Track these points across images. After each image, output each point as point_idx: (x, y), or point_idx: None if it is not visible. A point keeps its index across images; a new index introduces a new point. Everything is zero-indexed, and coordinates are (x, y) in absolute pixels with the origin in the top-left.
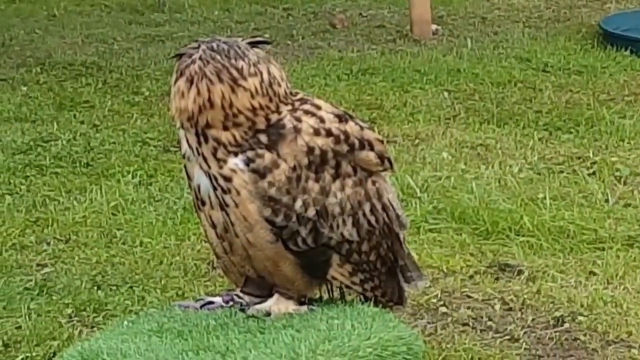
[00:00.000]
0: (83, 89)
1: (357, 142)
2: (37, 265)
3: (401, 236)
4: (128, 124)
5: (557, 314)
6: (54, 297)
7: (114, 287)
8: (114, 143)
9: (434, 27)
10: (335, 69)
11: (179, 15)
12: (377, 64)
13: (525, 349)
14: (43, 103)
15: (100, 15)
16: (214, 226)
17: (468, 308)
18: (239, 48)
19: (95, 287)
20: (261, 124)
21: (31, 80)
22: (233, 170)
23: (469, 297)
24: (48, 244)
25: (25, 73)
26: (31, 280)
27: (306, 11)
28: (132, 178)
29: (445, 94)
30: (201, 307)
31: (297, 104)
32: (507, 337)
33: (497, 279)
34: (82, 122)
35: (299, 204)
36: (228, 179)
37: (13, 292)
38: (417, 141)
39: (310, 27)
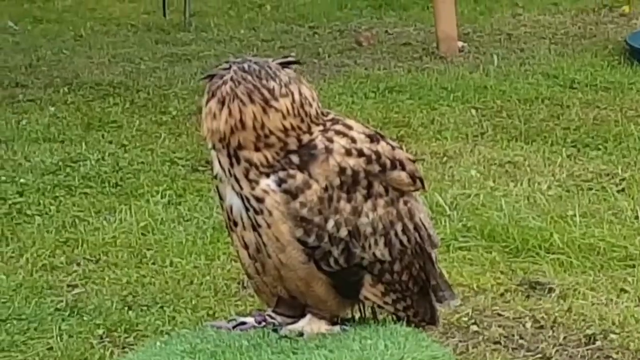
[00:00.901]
0: (111, 109)
1: (388, 162)
2: (68, 286)
3: (433, 256)
4: (156, 143)
5: (589, 331)
6: (85, 318)
7: (145, 308)
8: (142, 163)
9: (460, 44)
10: (362, 87)
11: (205, 34)
12: (403, 81)
13: None
14: (71, 123)
15: (127, 35)
16: (246, 247)
17: (499, 326)
18: (270, 69)
19: (126, 308)
20: (293, 144)
21: (59, 100)
22: (265, 191)
23: (500, 315)
24: (78, 264)
25: (53, 93)
26: (62, 301)
27: (332, 29)
28: (161, 198)
29: (473, 111)
30: (234, 327)
31: (328, 124)
32: (539, 355)
33: (528, 297)
34: (110, 142)
35: (331, 224)
36: (260, 200)
37: (44, 313)
38: (445, 159)
39: (336, 45)
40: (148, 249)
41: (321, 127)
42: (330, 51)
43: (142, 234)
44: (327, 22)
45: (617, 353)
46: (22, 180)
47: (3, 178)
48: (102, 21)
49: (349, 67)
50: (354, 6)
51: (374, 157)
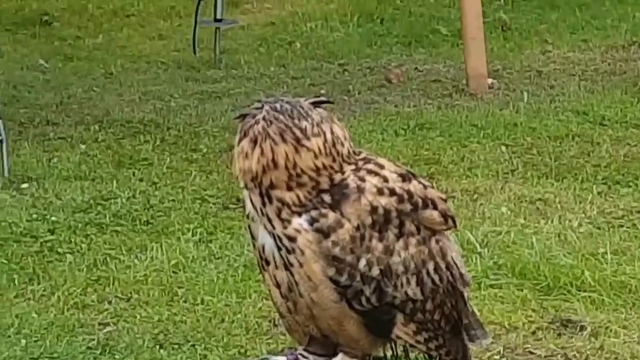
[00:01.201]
0: (141, 147)
1: (420, 201)
2: (99, 324)
3: (465, 294)
4: (187, 181)
5: None
6: (117, 356)
7: (176, 346)
8: (173, 201)
9: (490, 81)
10: (392, 124)
11: (235, 71)
12: (434, 118)
13: None
14: (102, 161)
15: (157, 73)
16: (278, 286)
17: None
18: (302, 108)
19: (158, 346)
20: (325, 183)
21: (90, 138)
22: (297, 230)
23: (531, 353)
24: (110, 302)
25: (84, 131)
26: (93, 340)
27: (362, 66)
28: (192, 236)
29: (503, 148)
30: None
31: (360, 163)
32: None
33: (559, 334)
34: (141, 180)
35: (362, 263)
36: (292, 239)
37: (76, 352)
38: (475, 196)
39: (366, 82)
40: (179, 287)
41: (353, 166)
42: (360, 88)
43: (173, 271)
44: (357, 59)
45: None
46: (53, 218)
47: (34, 216)
48: (133, 59)
49: (379, 104)
50: (384, 43)
51: (405, 196)
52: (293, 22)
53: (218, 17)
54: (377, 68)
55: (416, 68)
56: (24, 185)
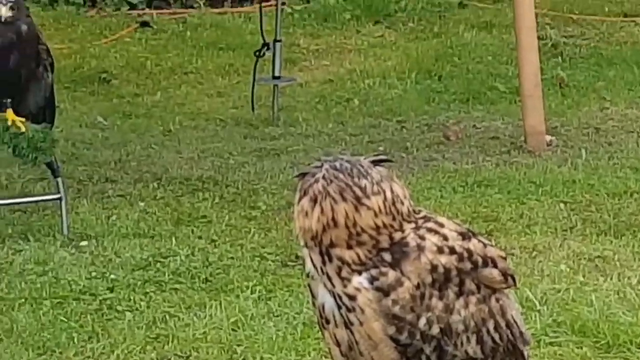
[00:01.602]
0: (200, 204)
1: (480, 260)
2: None
3: (525, 353)
4: (246, 238)
5: None
6: None
7: None
8: (232, 258)
9: (548, 138)
10: (451, 181)
11: (293, 128)
12: (492, 175)
13: None
14: (161, 219)
15: (216, 130)
16: (338, 344)
17: None
18: (362, 167)
19: None
20: (385, 242)
21: (148, 195)
22: (357, 289)
23: None
24: None
25: (143, 189)
26: None
27: (420, 123)
28: (251, 293)
29: (561, 205)
30: None
31: (420, 221)
32: None
33: None
34: (200, 238)
35: (423, 321)
36: (352, 298)
37: None
38: (534, 253)
39: (424, 139)
40: (238, 345)
41: (413, 225)
42: (418, 145)
43: (233, 329)
44: (415, 116)
45: None
46: (112, 276)
47: (94, 274)
48: (191, 116)
49: (437, 162)
50: (442, 100)
51: (465, 254)
52: (351, 80)
53: (276, 74)
54: (435, 125)
55: (474, 125)
56: (83, 243)
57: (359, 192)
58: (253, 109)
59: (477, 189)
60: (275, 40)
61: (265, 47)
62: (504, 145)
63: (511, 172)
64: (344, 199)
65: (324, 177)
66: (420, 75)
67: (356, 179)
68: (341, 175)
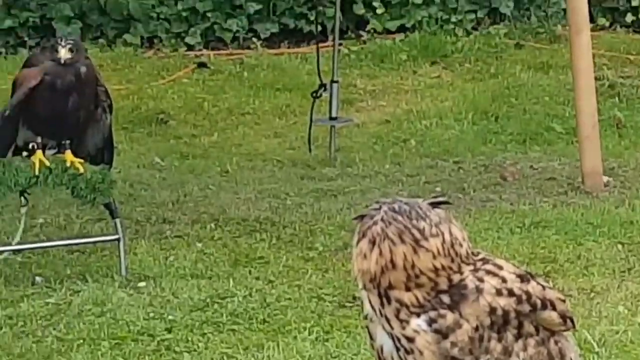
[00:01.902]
0: (257, 245)
1: (539, 302)
2: None
3: None
4: (303, 279)
5: None
6: None
7: None
8: (289, 299)
9: (605, 179)
10: (508, 222)
11: (350, 169)
12: (549, 216)
13: None
14: (218, 259)
15: (273, 171)
16: None
17: None
18: (420, 209)
19: None
20: (443, 284)
21: (206, 236)
22: (416, 331)
23: None
24: None
25: (200, 229)
26: None
27: (477, 164)
28: (309, 334)
29: (619, 246)
30: None
31: (478, 264)
32: None
33: None
34: (257, 278)
35: None
36: (411, 340)
37: None
38: (592, 295)
39: (481, 180)
40: None
41: (471, 267)
42: (475, 186)
43: None
44: (472, 157)
45: None
46: (170, 317)
47: (151, 314)
48: (248, 157)
49: (494, 202)
50: (499, 141)
51: (524, 297)
52: (408, 120)
53: (333, 115)
54: (492, 166)
55: (531, 166)
56: (141, 284)
57: (417, 235)
58: (310, 149)
59: (535, 230)
60: (332, 81)
61: (322, 88)
62: (561, 186)
63: (568, 213)
64: (403, 241)
65: (382, 220)
66: (477, 115)
67: (415, 221)
68: (400, 218)
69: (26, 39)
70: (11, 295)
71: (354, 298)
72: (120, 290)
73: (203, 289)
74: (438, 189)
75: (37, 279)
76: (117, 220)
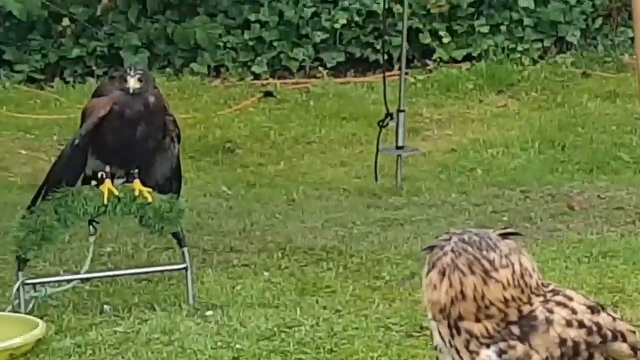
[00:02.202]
0: (324, 274)
1: (609, 334)
2: None
3: None
4: (370, 308)
5: None
6: None
7: None
8: (356, 328)
9: None
10: (575, 252)
11: (416, 198)
12: (617, 246)
13: None
14: (285, 288)
15: (339, 200)
16: None
17: None
18: (490, 240)
19: None
20: (513, 315)
21: (273, 265)
22: None
23: None
24: None
25: (267, 258)
26: None
27: (543, 193)
28: None
29: None
30: None
31: (548, 295)
32: None
33: None
34: (324, 308)
35: None
36: None
37: None
38: None
39: (548, 209)
40: None
41: (541, 298)
42: (542, 215)
43: None
44: (539, 186)
45: None
46: (237, 346)
47: (219, 343)
48: (314, 186)
49: (561, 232)
50: (566, 170)
51: (594, 328)
52: (474, 149)
53: (399, 144)
54: (559, 195)
55: (598, 195)
56: (209, 313)
57: (487, 266)
58: (376, 178)
59: (602, 259)
60: (399, 110)
61: (389, 117)
62: (628, 216)
63: (636, 243)
64: (473, 272)
65: (452, 250)
66: (543, 144)
67: (485, 252)
68: (470, 248)
69: (94, 68)
70: (80, 323)
71: (422, 328)
72: (188, 319)
73: (270, 318)
74: (505, 218)
75: (106, 307)
76: (185, 249)
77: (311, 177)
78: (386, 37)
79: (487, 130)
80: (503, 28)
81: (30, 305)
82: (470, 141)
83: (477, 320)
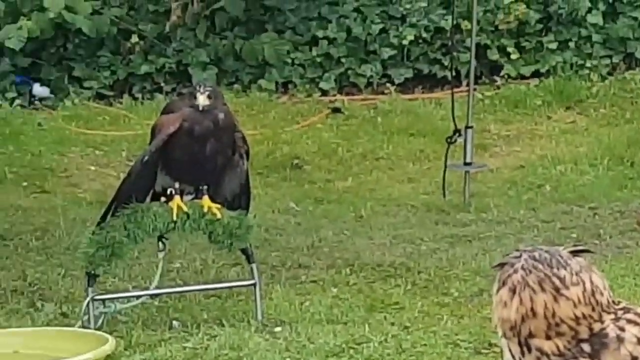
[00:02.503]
0: (392, 290)
1: None
2: None
3: None
4: (438, 325)
5: None
6: None
7: None
8: (425, 345)
9: None
10: None
11: (484, 215)
12: None
13: None
14: (353, 305)
15: (407, 216)
16: None
17: None
18: (561, 257)
19: None
20: (584, 333)
21: (341, 281)
22: None
23: None
24: None
25: (335, 274)
26: None
27: (612, 210)
28: None
29: None
30: None
31: (619, 312)
32: None
33: None
34: (392, 324)
35: None
36: None
37: None
38: None
39: (617, 226)
40: None
41: (612, 316)
42: (611, 232)
43: None
44: (607, 203)
45: None
46: None
47: None
48: (382, 202)
49: (630, 249)
50: (635, 187)
51: None
52: (542, 165)
53: (467, 160)
54: (628, 212)
55: None
56: (277, 329)
57: (558, 283)
58: (444, 195)
59: None
60: (467, 127)
61: (457, 134)
62: None
63: None
64: (543, 290)
65: (523, 268)
66: (612, 161)
67: (555, 270)
68: (540, 266)
69: (162, 84)
70: (149, 339)
71: (490, 345)
72: (257, 335)
73: (339, 335)
74: (574, 235)
75: (175, 323)
76: (254, 265)
77: (379, 193)
78: (454, 54)
79: (556, 147)
80: (571, 44)
81: (100, 321)
82: (538, 157)
83: (548, 337)
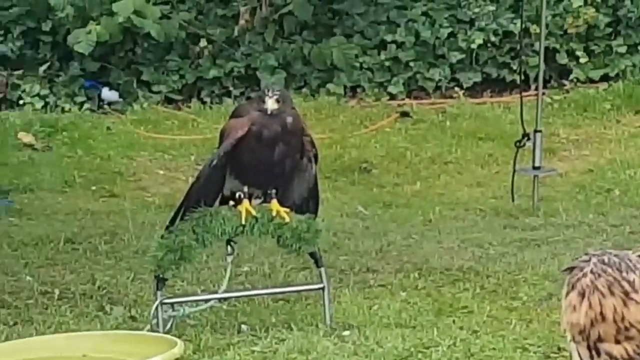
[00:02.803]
0: (461, 295)
1: None
2: None
3: None
4: (507, 329)
5: None
6: None
7: None
8: (493, 349)
9: None
10: None
11: (553, 219)
12: None
13: None
14: (422, 309)
15: (475, 220)
16: None
17: None
18: (630, 261)
19: None
20: None
21: (410, 285)
22: None
23: None
24: None
25: (404, 278)
26: None
27: None
28: None
29: None
30: None
31: None
32: None
33: None
34: (461, 328)
35: None
36: None
37: None
38: None
39: None
40: None
41: None
42: None
43: None
44: None
45: None
46: None
47: None
48: (451, 206)
49: None
50: None
51: None
52: (612, 170)
53: (536, 164)
54: None
55: None
56: (346, 333)
57: (627, 287)
58: (513, 199)
59: None
60: (536, 131)
61: (526, 138)
62: None
63: None
64: (613, 294)
65: (592, 272)
66: None
67: (625, 274)
68: (609, 270)
69: (231, 88)
70: (217, 343)
71: (559, 349)
72: (325, 339)
73: (407, 339)
74: None
75: (243, 327)
76: (322, 269)
77: (447, 197)
78: (523, 57)
79: (625, 151)
80: None
81: (169, 325)
82: (607, 161)
83: (617, 342)
